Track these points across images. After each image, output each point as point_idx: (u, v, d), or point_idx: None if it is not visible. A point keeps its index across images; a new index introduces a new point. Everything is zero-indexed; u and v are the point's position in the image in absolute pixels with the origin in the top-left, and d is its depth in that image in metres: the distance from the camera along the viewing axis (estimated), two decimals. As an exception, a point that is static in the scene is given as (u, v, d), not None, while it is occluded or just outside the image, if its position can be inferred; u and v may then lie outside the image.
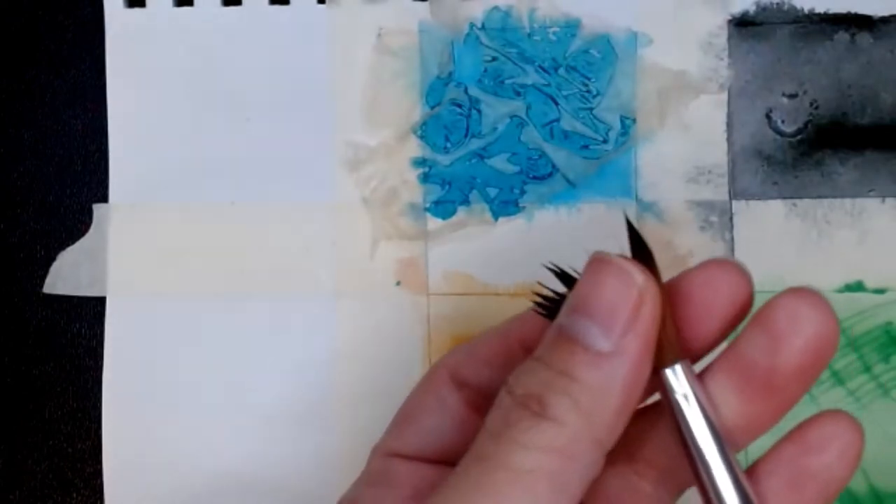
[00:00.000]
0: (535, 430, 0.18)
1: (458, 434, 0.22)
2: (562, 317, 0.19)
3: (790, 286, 0.19)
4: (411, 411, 0.23)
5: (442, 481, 0.19)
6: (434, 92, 0.31)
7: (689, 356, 0.20)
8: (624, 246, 0.20)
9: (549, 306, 0.20)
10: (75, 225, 0.33)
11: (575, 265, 0.20)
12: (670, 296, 0.20)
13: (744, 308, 0.20)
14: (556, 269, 0.20)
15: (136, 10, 0.33)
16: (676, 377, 0.19)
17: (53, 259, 0.33)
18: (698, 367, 0.20)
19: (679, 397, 0.19)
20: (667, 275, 0.20)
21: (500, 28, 0.31)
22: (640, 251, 0.20)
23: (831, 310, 0.19)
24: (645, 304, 0.18)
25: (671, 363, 0.19)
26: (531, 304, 0.21)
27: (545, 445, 0.18)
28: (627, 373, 0.18)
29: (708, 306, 0.20)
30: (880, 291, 0.30)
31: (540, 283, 0.20)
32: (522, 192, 0.31)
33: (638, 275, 0.19)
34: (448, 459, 0.22)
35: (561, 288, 0.20)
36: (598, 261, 0.19)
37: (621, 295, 0.18)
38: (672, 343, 0.19)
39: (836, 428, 0.20)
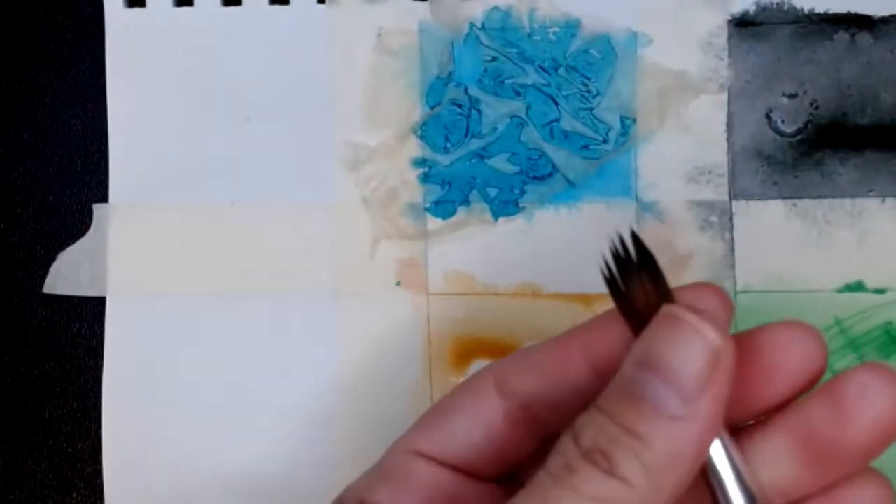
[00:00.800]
0: (601, 484, 0.17)
1: (487, 444, 0.21)
2: (630, 368, 0.18)
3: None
4: (445, 411, 0.22)
5: None
6: (434, 92, 0.31)
7: (727, 424, 0.19)
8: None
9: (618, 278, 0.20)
10: (75, 225, 0.33)
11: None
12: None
13: (814, 378, 0.19)
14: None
15: (136, 10, 0.33)
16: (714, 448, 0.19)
17: (53, 259, 0.33)
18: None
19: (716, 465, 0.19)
20: (667, 276, 0.20)
21: (500, 28, 0.31)
22: (648, 265, 0.19)
23: None
24: (720, 366, 0.18)
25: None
26: (603, 269, 0.20)
27: (611, 500, 0.17)
28: (700, 437, 0.18)
29: (776, 369, 0.19)
30: (880, 291, 0.30)
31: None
32: (522, 192, 0.31)
33: (713, 333, 0.18)
34: (471, 469, 0.21)
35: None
36: (670, 317, 0.18)
37: (696, 357, 0.18)
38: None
39: (869, 491, 0.19)
